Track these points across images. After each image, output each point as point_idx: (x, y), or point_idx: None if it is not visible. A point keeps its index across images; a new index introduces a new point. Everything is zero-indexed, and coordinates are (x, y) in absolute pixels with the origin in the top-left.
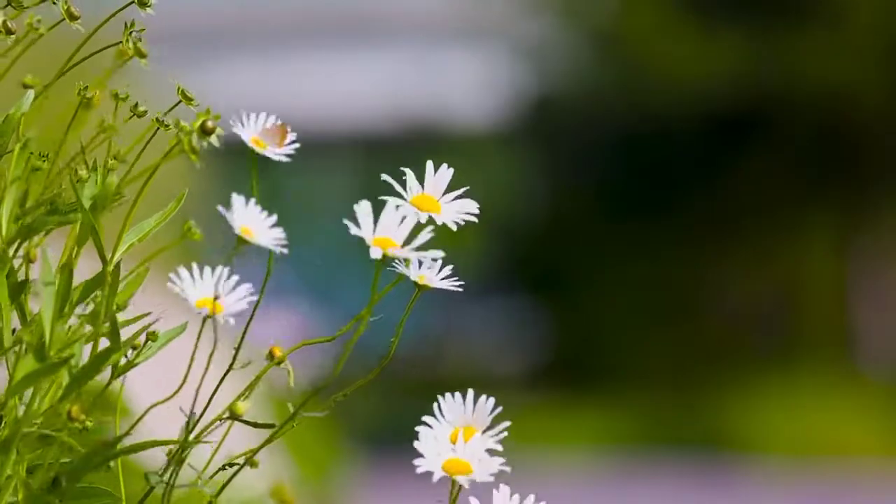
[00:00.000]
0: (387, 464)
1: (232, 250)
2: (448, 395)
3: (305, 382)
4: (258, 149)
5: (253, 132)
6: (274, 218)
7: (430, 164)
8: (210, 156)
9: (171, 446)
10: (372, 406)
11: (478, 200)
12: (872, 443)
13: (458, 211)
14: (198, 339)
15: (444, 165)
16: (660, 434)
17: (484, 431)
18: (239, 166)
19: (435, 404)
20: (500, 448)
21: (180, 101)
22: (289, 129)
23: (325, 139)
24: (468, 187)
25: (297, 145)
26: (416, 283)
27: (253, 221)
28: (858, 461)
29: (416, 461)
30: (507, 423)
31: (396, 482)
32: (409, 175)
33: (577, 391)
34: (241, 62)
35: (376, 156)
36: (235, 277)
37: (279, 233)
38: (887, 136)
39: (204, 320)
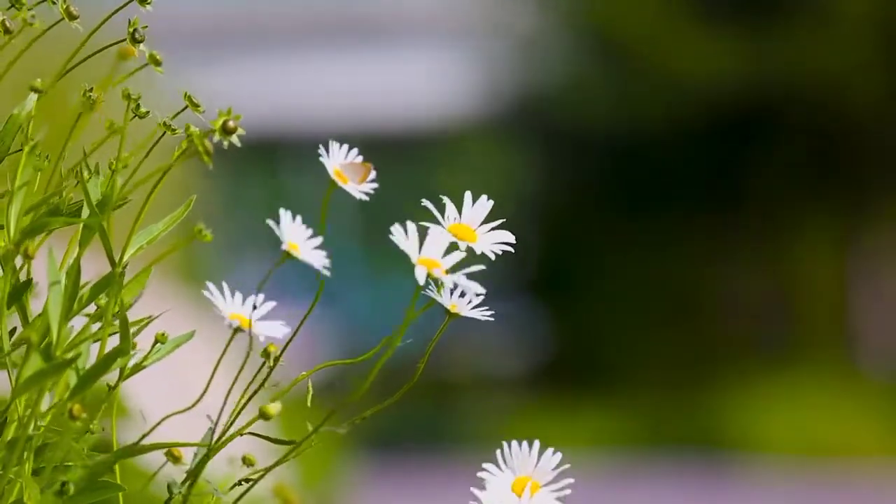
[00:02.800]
0: (389, 464)
1: (276, 263)
2: (515, 443)
3: (315, 390)
4: (339, 181)
5: (336, 163)
6: (320, 240)
7: (468, 195)
8: (215, 156)
9: (175, 449)
10: (372, 406)
11: (477, 200)
12: (872, 443)
13: (495, 241)
14: (224, 351)
15: (484, 197)
16: (660, 434)
17: (547, 485)
18: (239, 166)
19: (498, 451)
20: None
21: (187, 107)
22: (372, 168)
23: (324, 139)
24: (473, 193)
25: (375, 185)
26: (447, 311)
27: (300, 238)
28: (858, 461)
29: None
30: (571, 480)
31: (398, 482)
32: (448, 203)
33: (577, 391)
34: (240, 63)
35: (375, 155)
36: (272, 303)
37: (323, 255)
38: (888, 135)
39: (235, 332)
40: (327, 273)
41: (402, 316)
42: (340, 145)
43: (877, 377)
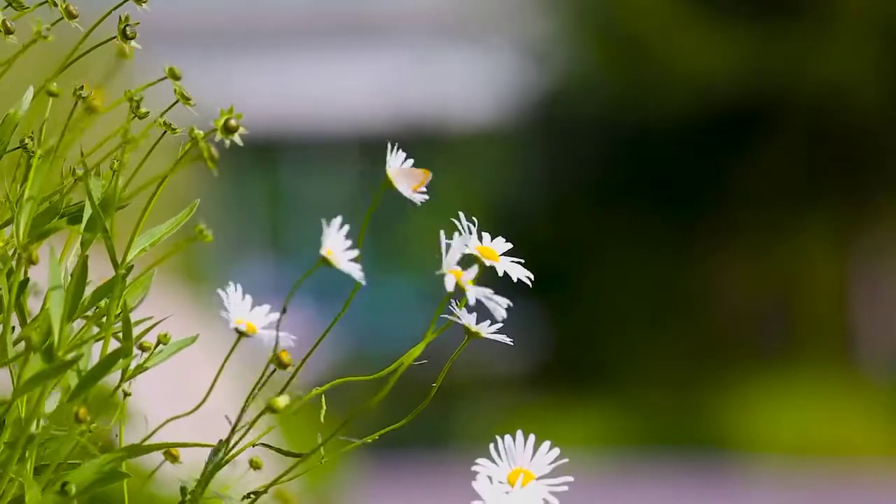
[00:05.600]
0: (389, 464)
1: (312, 267)
2: (508, 436)
3: (313, 386)
4: (395, 183)
5: (394, 166)
6: (356, 252)
7: (488, 237)
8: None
9: (173, 449)
10: (380, 414)
11: (479, 199)
12: (873, 442)
13: (515, 268)
14: (228, 356)
15: (501, 239)
16: (660, 434)
17: (541, 478)
18: (242, 167)
19: (492, 444)
20: (556, 501)
21: (177, 101)
22: (430, 177)
23: (326, 139)
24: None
25: (426, 197)
26: (467, 330)
27: (337, 246)
28: (858, 461)
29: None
30: (569, 479)
31: (398, 482)
32: (470, 224)
33: (577, 391)
34: (241, 62)
35: (378, 155)
36: (283, 315)
37: (358, 267)
38: (888, 135)
39: (240, 337)
40: (363, 282)
41: (402, 317)
42: (398, 149)
43: (877, 377)
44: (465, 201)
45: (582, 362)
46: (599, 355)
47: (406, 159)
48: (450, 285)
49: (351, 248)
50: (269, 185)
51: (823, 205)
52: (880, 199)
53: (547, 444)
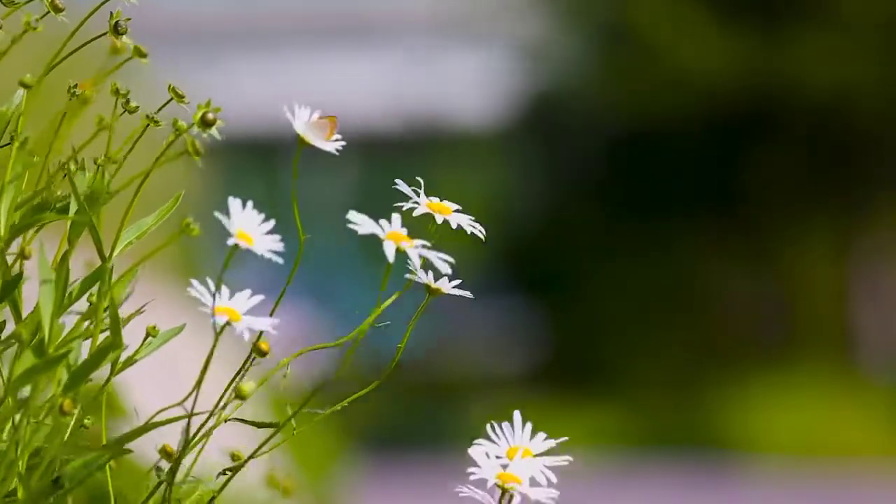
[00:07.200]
0: (389, 464)
1: (227, 255)
2: (507, 423)
3: (306, 381)
4: (308, 139)
5: (302, 125)
6: (271, 224)
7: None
8: (207, 152)
9: (167, 445)
10: (372, 405)
11: (478, 198)
12: (872, 443)
13: (468, 222)
14: (213, 346)
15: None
16: (660, 434)
17: (540, 455)
18: (234, 163)
19: (488, 425)
20: (553, 476)
21: (171, 99)
22: (337, 123)
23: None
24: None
25: (343, 143)
26: (427, 288)
27: (250, 226)
28: (858, 461)
29: (471, 469)
30: (569, 458)
31: (398, 482)
32: (420, 182)
33: (577, 391)
34: (240, 62)
35: (376, 155)
36: (261, 297)
37: (275, 240)
38: (887, 136)
39: (223, 328)
40: (280, 260)
41: (400, 311)
42: (301, 107)
43: (876, 377)
44: (464, 200)
45: (582, 362)
46: (599, 355)
47: (310, 114)
48: (390, 250)
49: (266, 220)
50: (269, 185)
51: (824, 205)
52: (880, 199)
53: (543, 434)
